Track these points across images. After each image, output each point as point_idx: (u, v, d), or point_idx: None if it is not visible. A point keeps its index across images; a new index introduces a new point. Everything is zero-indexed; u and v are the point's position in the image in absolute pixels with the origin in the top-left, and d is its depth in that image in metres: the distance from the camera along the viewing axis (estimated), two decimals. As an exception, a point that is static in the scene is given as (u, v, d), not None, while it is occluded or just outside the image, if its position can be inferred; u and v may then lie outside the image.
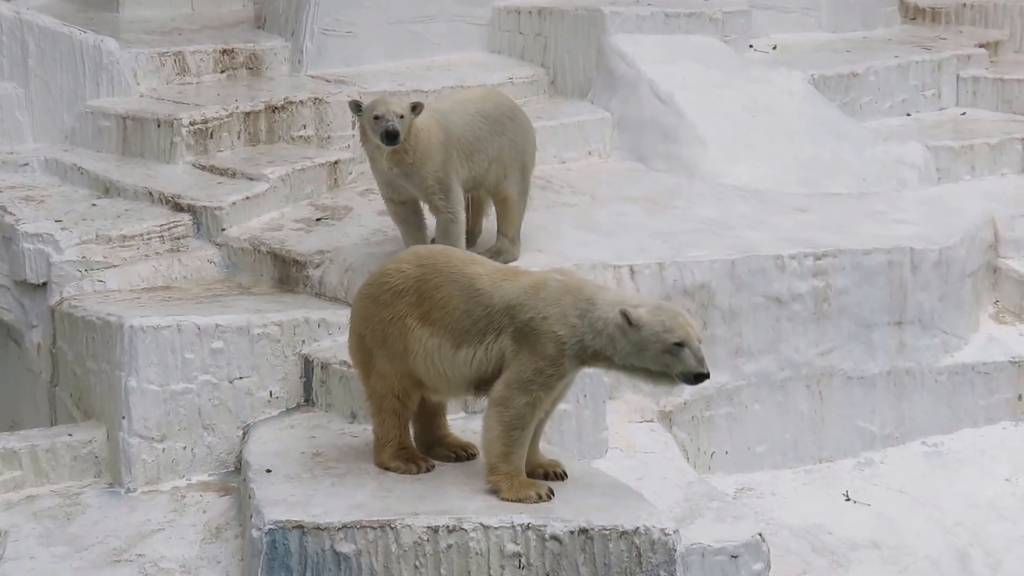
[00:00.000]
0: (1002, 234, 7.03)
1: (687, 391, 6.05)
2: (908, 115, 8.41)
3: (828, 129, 7.70)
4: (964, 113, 8.50)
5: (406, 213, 5.86)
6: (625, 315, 4.62)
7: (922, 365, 6.49)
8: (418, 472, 4.95)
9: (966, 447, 6.44)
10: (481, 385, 4.84)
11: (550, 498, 4.78)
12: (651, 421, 5.97)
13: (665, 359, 4.65)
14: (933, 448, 6.46)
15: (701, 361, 4.63)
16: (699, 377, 4.63)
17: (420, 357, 4.86)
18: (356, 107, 5.64)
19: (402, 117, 5.55)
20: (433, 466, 4.99)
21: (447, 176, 5.70)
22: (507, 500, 4.76)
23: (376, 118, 5.56)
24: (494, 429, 4.76)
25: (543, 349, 4.69)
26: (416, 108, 5.61)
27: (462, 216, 5.75)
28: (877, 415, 6.42)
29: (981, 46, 8.86)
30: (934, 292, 6.53)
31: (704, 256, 6.21)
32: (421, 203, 5.84)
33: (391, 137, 5.52)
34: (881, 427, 6.43)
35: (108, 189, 6.68)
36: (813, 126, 7.67)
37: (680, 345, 4.62)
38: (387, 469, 4.96)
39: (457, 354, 4.81)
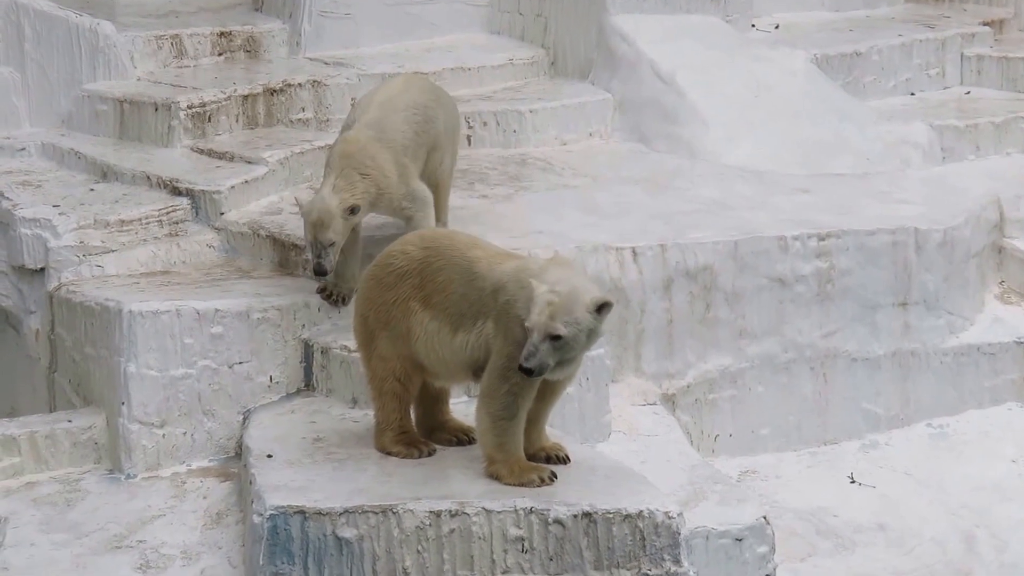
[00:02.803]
0: (1007, 214, 6.99)
1: (690, 373, 6.04)
2: (912, 94, 8.36)
3: (831, 109, 7.65)
4: (968, 92, 8.43)
5: (354, 237, 5.54)
6: (532, 285, 4.56)
7: (927, 346, 6.46)
8: (419, 456, 4.93)
9: (971, 429, 6.42)
10: (479, 371, 4.81)
11: (552, 482, 4.75)
12: (654, 404, 5.95)
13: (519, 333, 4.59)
14: (938, 430, 6.43)
15: (528, 356, 4.51)
16: (521, 369, 4.54)
17: (421, 341, 4.83)
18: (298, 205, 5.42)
19: (332, 245, 5.28)
20: (435, 450, 4.96)
21: (409, 185, 5.55)
22: (510, 485, 4.73)
23: (310, 243, 5.33)
24: (484, 421, 4.74)
25: (512, 333, 4.65)
26: (353, 211, 5.33)
27: (432, 213, 5.63)
28: (882, 397, 6.39)
29: (985, 24, 8.79)
30: (939, 273, 6.49)
31: (707, 237, 6.17)
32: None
33: (319, 274, 5.35)
34: (886, 409, 6.40)
35: (106, 173, 6.64)
36: (816, 106, 7.62)
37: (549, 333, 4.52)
38: (388, 454, 4.94)
39: (455, 339, 4.78)
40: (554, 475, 4.78)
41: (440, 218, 5.87)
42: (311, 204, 5.36)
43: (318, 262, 5.31)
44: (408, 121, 5.60)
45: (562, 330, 4.51)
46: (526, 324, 4.55)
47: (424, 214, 5.57)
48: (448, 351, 4.80)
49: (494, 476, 4.77)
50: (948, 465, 6.23)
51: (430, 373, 4.91)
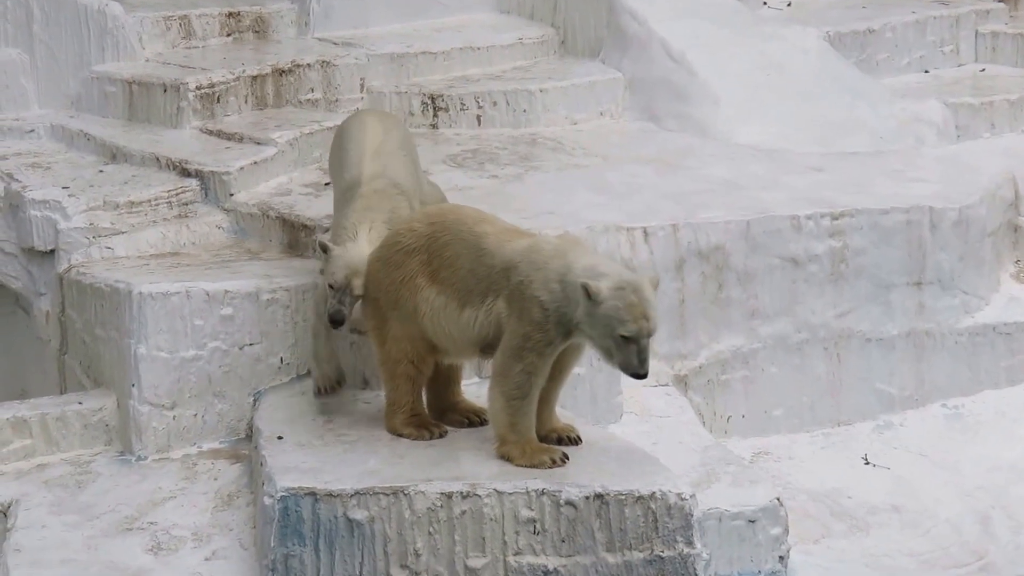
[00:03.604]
0: (1023, 192, 6.93)
1: (703, 354, 6.01)
2: (926, 72, 8.30)
3: (844, 87, 7.60)
4: (983, 69, 8.38)
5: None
6: (585, 288, 4.49)
7: (942, 326, 6.41)
8: (431, 439, 4.90)
9: (987, 409, 6.38)
10: (487, 348, 4.78)
11: (564, 463, 4.73)
12: (666, 385, 5.92)
13: (609, 343, 4.52)
14: (953, 410, 6.39)
15: (643, 361, 4.49)
16: (636, 376, 4.52)
17: (428, 317, 4.80)
18: (324, 249, 5.03)
19: (356, 297, 4.94)
20: (446, 432, 4.94)
21: None
22: (521, 467, 4.70)
23: (331, 287, 4.97)
24: (496, 401, 4.71)
25: (529, 314, 4.61)
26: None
27: None
28: (896, 377, 6.35)
29: (1000, 0, 8.72)
30: (954, 252, 6.44)
31: (718, 217, 6.14)
32: None
33: (336, 323, 4.96)
34: (900, 389, 6.37)
35: (115, 155, 6.62)
36: (828, 84, 7.57)
37: (627, 339, 4.49)
38: (399, 435, 4.92)
39: (462, 315, 4.75)
40: (566, 457, 4.75)
41: None
42: (347, 252, 5.00)
43: (339, 309, 4.94)
44: (404, 163, 5.40)
45: (656, 324, 4.47)
46: (623, 333, 4.44)
47: None
48: (455, 327, 4.77)
49: (505, 457, 4.74)
50: (963, 446, 6.19)
51: (439, 350, 4.88)
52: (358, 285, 4.94)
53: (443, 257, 4.77)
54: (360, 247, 5.04)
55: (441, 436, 4.92)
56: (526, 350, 4.61)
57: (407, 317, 4.83)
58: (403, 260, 4.82)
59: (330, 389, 5.24)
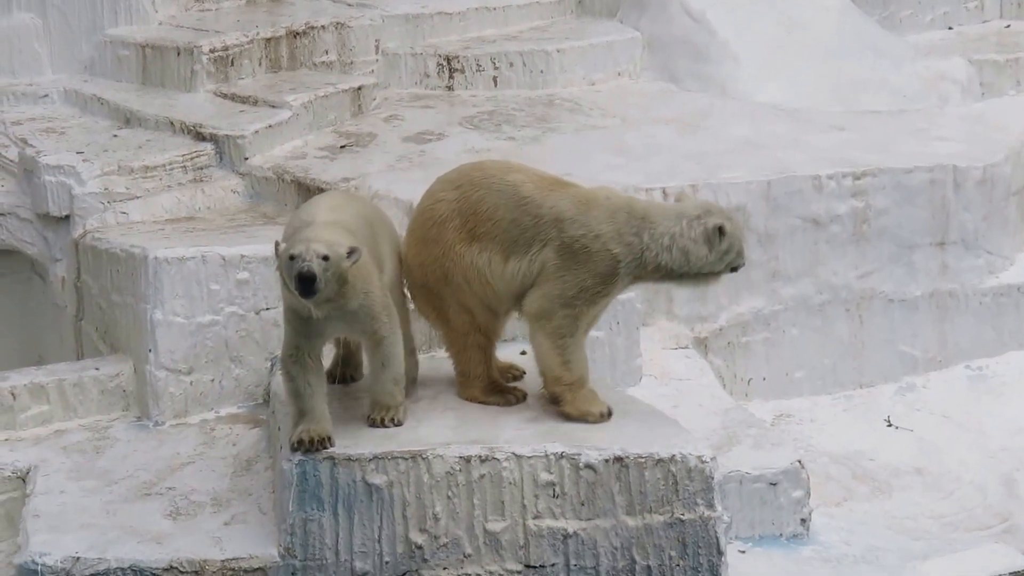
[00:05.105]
0: (1049, 150, 6.84)
1: (723, 316, 5.99)
2: (950, 28, 8.18)
3: (866, 44, 7.50)
4: (1008, 26, 8.26)
5: (317, 365, 4.57)
6: (721, 229, 4.61)
7: (965, 287, 6.35)
8: (515, 403, 4.82)
9: (1011, 370, 6.32)
10: (521, 297, 4.72)
11: (609, 418, 4.69)
12: (686, 348, 5.88)
13: (718, 276, 4.70)
14: (977, 372, 6.34)
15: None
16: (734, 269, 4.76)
17: (474, 279, 4.71)
18: (277, 247, 4.43)
19: (326, 259, 4.31)
20: (525, 394, 4.87)
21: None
22: (567, 415, 4.68)
23: (292, 258, 4.31)
24: (543, 343, 4.67)
25: (594, 267, 4.60)
26: (352, 253, 4.39)
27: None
28: (919, 339, 6.29)
29: (1026, -45, 8.58)
30: (978, 211, 6.37)
31: (739, 177, 6.08)
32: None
33: (305, 282, 4.26)
34: (923, 351, 6.31)
35: (129, 119, 6.58)
36: (850, 42, 7.47)
37: (735, 268, 4.72)
38: (483, 404, 4.84)
39: (506, 267, 4.68)
40: (611, 412, 4.71)
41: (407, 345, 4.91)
42: (297, 216, 4.59)
43: (305, 267, 4.28)
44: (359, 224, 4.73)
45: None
46: (738, 264, 4.66)
47: (396, 335, 4.67)
48: (500, 282, 4.71)
49: (556, 397, 4.70)
50: (987, 407, 6.14)
51: (497, 312, 4.79)
52: (322, 242, 4.33)
53: (479, 213, 4.69)
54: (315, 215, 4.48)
55: (522, 398, 4.84)
56: (578, 299, 4.61)
57: (459, 287, 4.76)
58: (438, 233, 4.73)
59: (318, 444, 4.55)
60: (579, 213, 4.62)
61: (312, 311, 4.45)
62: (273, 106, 6.52)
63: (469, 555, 4.58)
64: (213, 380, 5.42)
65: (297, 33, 7.01)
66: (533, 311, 4.65)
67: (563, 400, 4.70)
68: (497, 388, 4.87)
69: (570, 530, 4.59)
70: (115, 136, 6.44)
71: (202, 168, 6.23)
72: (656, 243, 4.60)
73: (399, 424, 4.64)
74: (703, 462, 4.60)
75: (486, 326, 4.79)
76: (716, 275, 4.70)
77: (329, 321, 4.49)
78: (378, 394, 4.66)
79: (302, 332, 4.51)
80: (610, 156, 6.27)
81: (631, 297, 5.50)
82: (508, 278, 4.68)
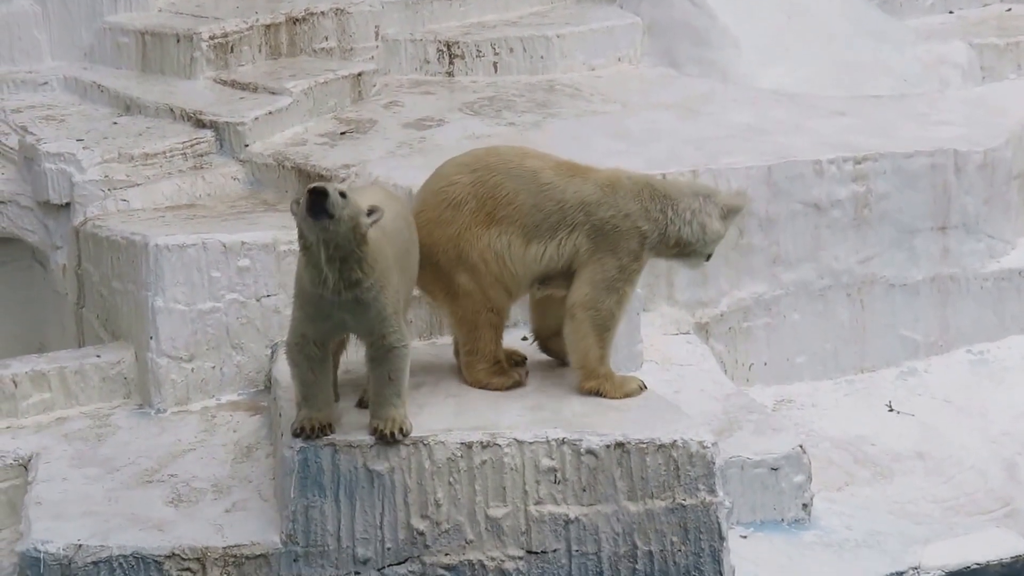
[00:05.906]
0: (1050, 134, 6.82)
1: (724, 301, 6.00)
2: (950, 12, 8.15)
3: (867, 29, 7.48)
4: (1009, 9, 8.23)
5: (323, 353, 4.53)
6: (737, 208, 4.91)
7: (967, 271, 6.34)
8: (516, 385, 4.86)
9: (1013, 355, 6.32)
10: (545, 280, 4.81)
11: (644, 390, 4.86)
12: (687, 333, 5.87)
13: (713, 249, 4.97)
14: (979, 356, 6.33)
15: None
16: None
17: (492, 261, 4.75)
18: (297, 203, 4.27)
19: (344, 197, 4.18)
20: (527, 374, 4.92)
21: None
22: (614, 399, 4.78)
23: (310, 191, 4.15)
24: (589, 335, 4.75)
25: (627, 245, 4.74)
26: (373, 212, 4.28)
27: None
28: (920, 323, 6.29)
29: (1027, -62, 8.56)
30: (979, 195, 6.35)
31: (740, 163, 6.06)
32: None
33: (316, 197, 4.10)
34: (925, 335, 6.31)
35: (129, 107, 6.57)
36: (851, 26, 7.46)
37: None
38: (485, 387, 4.85)
39: (528, 250, 4.75)
40: (644, 385, 4.89)
41: None
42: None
43: (322, 187, 4.16)
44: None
45: None
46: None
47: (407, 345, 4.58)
48: (520, 264, 4.77)
49: (596, 391, 4.79)
50: (988, 392, 6.14)
51: (512, 293, 4.84)
52: (342, 185, 4.33)
53: (497, 198, 4.74)
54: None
55: (523, 378, 4.88)
56: (620, 280, 4.74)
57: (475, 267, 4.77)
58: (453, 215, 4.75)
59: (319, 431, 4.56)
60: (605, 196, 4.76)
61: (323, 263, 4.23)
62: (273, 93, 6.51)
63: (471, 541, 4.59)
64: (214, 367, 5.42)
65: (297, 19, 6.99)
66: (582, 300, 4.74)
67: (605, 392, 4.80)
68: (500, 369, 4.89)
69: (572, 516, 4.60)
70: (115, 123, 6.43)
71: (202, 155, 6.22)
72: (679, 218, 4.80)
73: (407, 434, 4.55)
74: (704, 447, 4.60)
75: (499, 306, 4.82)
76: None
77: (339, 308, 4.42)
78: (382, 407, 4.56)
79: (312, 317, 4.44)
80: (611, 141, 6.26)
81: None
82: (530, 261, 4.76)
